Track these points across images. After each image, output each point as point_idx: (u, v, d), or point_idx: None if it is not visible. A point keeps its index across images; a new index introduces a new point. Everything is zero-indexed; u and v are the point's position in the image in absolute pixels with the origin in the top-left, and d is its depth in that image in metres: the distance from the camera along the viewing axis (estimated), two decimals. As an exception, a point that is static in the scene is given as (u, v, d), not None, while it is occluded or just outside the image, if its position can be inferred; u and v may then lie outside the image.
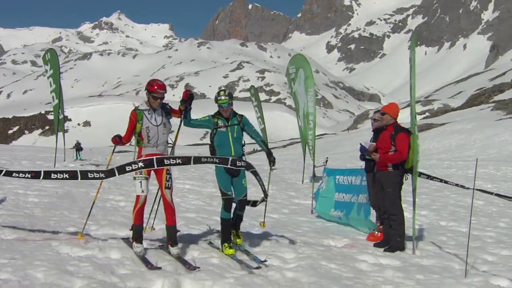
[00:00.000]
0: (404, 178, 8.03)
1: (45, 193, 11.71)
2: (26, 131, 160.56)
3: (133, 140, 6.85)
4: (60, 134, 21.15)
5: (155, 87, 6.58)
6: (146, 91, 6.66)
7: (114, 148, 7.11)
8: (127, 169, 6.42)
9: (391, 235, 7.89)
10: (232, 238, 7.13)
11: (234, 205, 7.17)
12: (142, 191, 6.56)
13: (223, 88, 6.99)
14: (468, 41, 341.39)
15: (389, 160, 7.87)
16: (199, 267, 6.02)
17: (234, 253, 6.79)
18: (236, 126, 6.96)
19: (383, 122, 8.15)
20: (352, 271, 6.58)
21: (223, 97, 6.90)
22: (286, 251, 7.37)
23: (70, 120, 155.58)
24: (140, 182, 6.55)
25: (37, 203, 10.28)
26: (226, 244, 6.90)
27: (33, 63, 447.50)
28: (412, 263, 7.14)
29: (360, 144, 8.51)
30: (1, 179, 13.71)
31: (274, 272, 6.17)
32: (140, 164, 6.39)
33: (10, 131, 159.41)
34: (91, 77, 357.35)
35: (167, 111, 6.82)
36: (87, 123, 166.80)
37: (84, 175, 6.74)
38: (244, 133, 7.21)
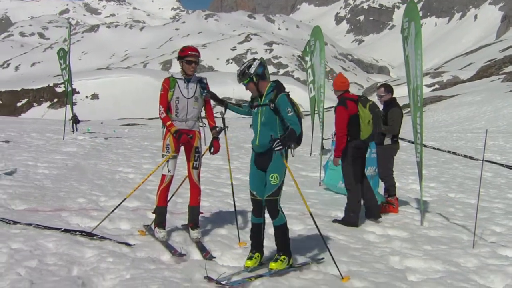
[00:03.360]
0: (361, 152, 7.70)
1: (55, 165, 11.79)
2: (34, 104, 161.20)
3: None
4: (68, 106, 21.28)
5: (187, 51, 6.13)
6: (178, 60, 6.20)
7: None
8: None
9: (345, 209, 7.70)
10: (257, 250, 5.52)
11: None
12: (169, 171, 6.16)
13: (244, 62, 5.64)
14: (479, 11, 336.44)
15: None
16: (215, 257, 5.70)
17: (251, 265, 5.36)
18: (265, 108, 5.34)
19: (337, 97, 7.85)
20: (359, 242, 6.62)
21: (237, 78, 5.61)
22: (294, 223, 7.40)
23: (78, 93, 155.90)
24: (168, 160, 6.16)
25: (47, 175, 10.35)
26: (250, 253, 5.49)
27: (41, 35, 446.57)
28: (420, 234, 7.16)
29: None
30: (11, 151, 13.84)
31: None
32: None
33: (19, 104, 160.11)
34: (99, 49, 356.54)
35: (203, 86, 6.26)
36: (95, 96, 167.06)
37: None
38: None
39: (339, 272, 5.19)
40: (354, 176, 7.61)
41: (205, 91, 6.22)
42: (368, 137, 7.57)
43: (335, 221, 7.71)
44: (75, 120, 32.39)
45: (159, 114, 6.15)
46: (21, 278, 4.53)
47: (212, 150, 6.29)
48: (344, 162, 7.67)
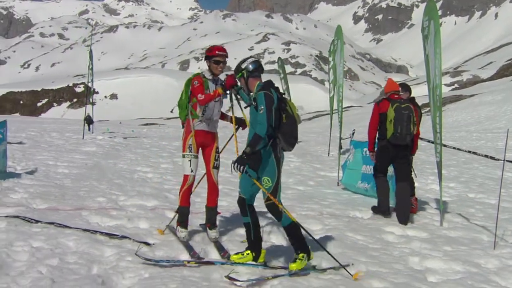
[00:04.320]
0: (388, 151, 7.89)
1: (75, 165, 11.91)
2: (54, 104, 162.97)
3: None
4: (88, 106, 21.76)
5: (215, 51, 6.04)
6: (205, 60, 6.12)
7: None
8: None
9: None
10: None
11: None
12: (192, 171, 6.09)
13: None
14: (500, 9, 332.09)
15: None
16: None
17: (235, 260, 5.36)
18: (251, 107, 5.33)
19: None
20: (378, 243, 6.58)
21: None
22: (312, 223, 7.39)
23: (97, 93, 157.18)
24: (190, 160, 6.08)
25: (67, 174, 10.47)
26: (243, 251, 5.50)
27: (61, 36, 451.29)
28: (440, 234, 7.10)
29: None
30: (32, 150, 14.02)
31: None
32: None
33: (39, 104, 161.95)
34: (117, 50, 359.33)
35: (224, 88, 5.95)
36: (114, 96, 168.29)
37: None
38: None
39: (347, 271, 5.15)
40: (376, 168, 8.20)
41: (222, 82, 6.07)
42: (392, 137, 7.68)
43: (372, 208, 8.28)
44: (89, 120, 32.68)
45: (200, 100, 5.90)
46: (42, 277, 4.58)
47: (241, 128, 6.32)
48: (375, 157, 8.19)
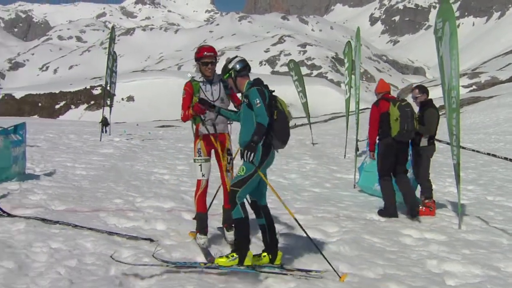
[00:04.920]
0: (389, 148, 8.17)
1: (92, 166, 12.01)
2: (72, 106, 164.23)
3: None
4: (106, 108, 21.95)
5: (203, 52, 5.92)
6: (196, 61, 5.99)
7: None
8: None
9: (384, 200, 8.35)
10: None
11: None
12: (203, 175, 6.00)
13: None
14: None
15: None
16: None
17: (251, 263, 5.17)
18: (243, 105, 5.37)
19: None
20: (396, 245, 6.53)
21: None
22: (328, 225, 7.37)
23: (114, 95, 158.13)
24: (200, 165, 6.00)
25: (85, 176, 10.56)
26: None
27: (78, 39, 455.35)
28: (458, 238, 7.03)
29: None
30: (50, 152, 14.16)
31: (317, 245, 6.19)
32: None
33: (57, 106, 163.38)
34: (134, 52, 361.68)
35: (226, 85, 5.92)
36: (130, 98, 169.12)
37: None
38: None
39: (335, 271, 5.11)
40: (381, 169, 8.25)
41: (227, 90, 6.04)
42: (398, 135, 7.97)
43: (379, 212, 8.25)
44: (105, 122, 32.74)
45: (181, 117, 5.97)
46: (61, 277, 4.63)
47: None
48: (378, 158, 8.38)
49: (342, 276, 5.06)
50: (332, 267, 5.18)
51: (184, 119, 5.98)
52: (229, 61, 5.44)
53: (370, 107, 8.78)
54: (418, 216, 8.03)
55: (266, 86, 5.28)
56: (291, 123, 68.04)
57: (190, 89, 6.00)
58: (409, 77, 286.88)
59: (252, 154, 4.92)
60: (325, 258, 5.27)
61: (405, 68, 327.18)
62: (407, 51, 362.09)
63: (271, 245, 5.38)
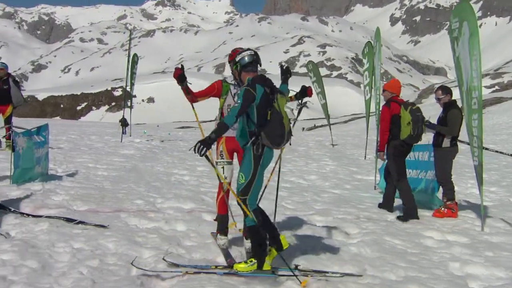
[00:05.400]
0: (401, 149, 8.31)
1: (113, 167, 12.11)
2: (93, 107, 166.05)
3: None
4: (126, 110, 22.13)
5: (235, 54, 5.71)
6: (229, 63, 5.85)
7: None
8: None
9: (402, 203, 8.29)
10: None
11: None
12: (225, 178, 5.93)
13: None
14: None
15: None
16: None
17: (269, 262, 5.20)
18: None
19: (385, 98, 8.73)
20: (417, 247, 6.47)
21: None
22: (349, 226, 7.33)
23: (135, 96, 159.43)
24: (222, 167, 5.93)
25: (106, 177, 10.65)
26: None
27: (100, 41, 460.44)
28: (481, 240, 6.93)
29: (427, 121, 8.39)
30: (72, 153, 14.33)
31: (337, 246, 6.16)
32: None
33: (79, 107, 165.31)
34: (155, 54, 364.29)
35: None
36: (151, 100, 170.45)
37: None
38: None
39: (297, 277, 4.90)
40: (397, 171, 8.28)
41: None
42: (408, 138, 8.14)
43: (398, 218, 8.09)
44: (124, 123, 32.88)
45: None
46: (83, 277, 4.68)
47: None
48: (388, 160, 8.52)
49: (303, 282, 4.85)
50: (294, 274, 4.96)
51: (189, 99, 5.98)
52: (240, 52, 5.41)
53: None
54: (407, 220, 7.99)
55: (268, 84, 5.09)
56: (310, 124, 67.76)
57: (219, 87, 5.96)
58: (430, 77, 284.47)
59: (205, 149, 4.77)
60: (285, 262, 5.18)
61: (426, 69, 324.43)
62: (428, 52, 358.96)
63: (271, 236, 5.17)
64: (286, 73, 6.06)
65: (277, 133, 4.98)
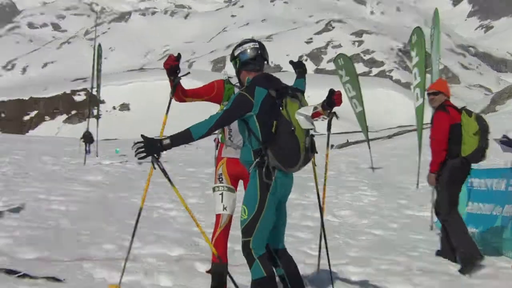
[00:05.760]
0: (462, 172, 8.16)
1: (73, 199, 12.15)
2: (46, 117, 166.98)
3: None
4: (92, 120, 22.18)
5: None
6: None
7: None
8: None
9: (456, 250, 8.15)
10: None
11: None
12: (225, 208, 5.84)
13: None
14: None
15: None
16: None
17: None
18: None
19: (435, 103, 8.32)
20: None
21: None
22: (397, 281, 7.29)
23: (103, 102, 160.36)
24: (221, 194, 5.90)
25: (64, 212, 10.68)
26: None
27: (55, 27, 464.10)
28: None
29: (504, 137, 8.37)
30: (18, 179, 14.38)
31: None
32: None
33: (26, 117, 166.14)
34: (130, 44, 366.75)
35: None
36: (124, 106, 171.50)
37: None
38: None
39: None
40: (450, 202, 8.06)
41: None
42: (473, 154, 7.97)
43: (460, 271, 7.85)
44: (87, 138, 32.51)
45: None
46: None
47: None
48: (439, 186, 8.22)
49: None
50: None
51: (175, 97, 5.91)
52: (238, 44, 5.40)
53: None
54: (471, 270, 7.82)
55: (275, 85, 5.04)
56: (341, 140, 67.61)
57: (219, 87, 5.99)
58: (508, 75, 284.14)
59: (144, 154, 4.80)
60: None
61: (501, 64, 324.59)
62: (505, 41, 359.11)
63: None
64: (300, 67, 6.09)
65: (289, 152, 4.89)
